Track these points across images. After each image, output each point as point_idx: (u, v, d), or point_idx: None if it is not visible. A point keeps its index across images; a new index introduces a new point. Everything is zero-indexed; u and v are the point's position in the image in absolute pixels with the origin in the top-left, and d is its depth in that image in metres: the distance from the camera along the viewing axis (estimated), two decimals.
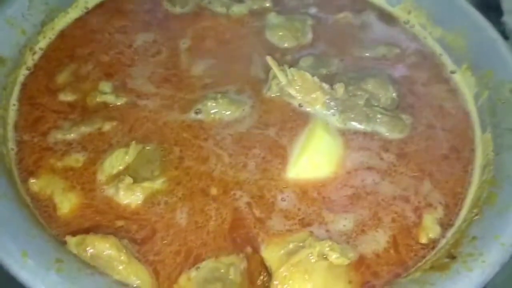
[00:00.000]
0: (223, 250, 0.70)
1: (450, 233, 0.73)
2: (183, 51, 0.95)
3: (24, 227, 0.66)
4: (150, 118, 0.84)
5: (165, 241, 0.70)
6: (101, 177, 0.76)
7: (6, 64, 0.86)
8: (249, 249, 0.70)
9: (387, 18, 1.04)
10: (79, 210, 0.72)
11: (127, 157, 0.77)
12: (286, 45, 0.97)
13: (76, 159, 0.78)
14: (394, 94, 0.87)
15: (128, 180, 0.73)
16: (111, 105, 0.85)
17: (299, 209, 0.74)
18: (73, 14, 0.99)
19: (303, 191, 0.76)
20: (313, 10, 1.04)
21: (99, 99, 0.85)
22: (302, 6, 1.04)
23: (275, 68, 0.86)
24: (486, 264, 0.64)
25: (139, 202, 0.73)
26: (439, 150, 0.83)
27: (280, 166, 0.79)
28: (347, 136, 0.83)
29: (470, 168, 0.81)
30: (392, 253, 0.71)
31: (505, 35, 1.27)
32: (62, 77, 0.89)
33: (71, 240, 0.66)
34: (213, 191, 0.76)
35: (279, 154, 0.80)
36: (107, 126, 0.82)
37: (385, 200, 0.76)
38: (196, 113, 0.84)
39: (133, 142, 0.78)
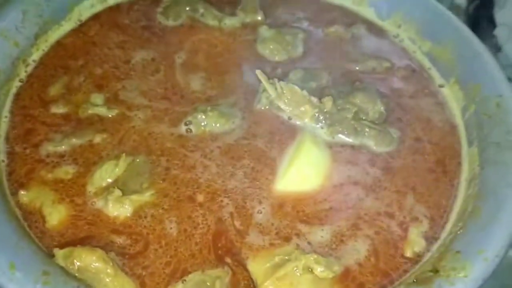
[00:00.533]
0: (208, 263, 0.70)
1: (435, 247, 0.74)
2: (177, 65, 0.95)
3: (12, 239, 0.66)
4: (140, 130, 0.84)
5: (157, 253, 0.71)
6: (91, 189, 0.76)
7: None
8: (234, 262, 0.70)
9: (377, 32, 1.05)
10: (68, 222, 0.73)
11: (117, 169, 0.77)
12: (277, 58, 0.97)
13: (66, 171, 0.78)
14: (382, 108, 0.88)
15: (117, 192, 0.74)
16: (102, 117, 0.85)
17: (278, 222, 0.75)
18: (67, 26, 1.00)
19: (281, 203, 0.77)
20: (304, 24, 1.04)
21: (91, 111, 0.86)
22: (294, 19, 1.05)
23: (264, 82, 0.87)
24: (469, 279, 0.64)
25: (128, 214, 0.74)
26: (425, 164, 0.84)
27: (270, 177, 0.80)
28: (334, 149, 0.84)
29: (456, 182, 0.82)
30: (377, 267, 0.71)
31: (497, 47, 1.29)
32: (54, 89, 0.90)
33: (59, 253, 0.66)
34: (200, 198, 0.77)
35: (268, 164, 0.81)
36: (97, 138, 0.82)
37: (368, 215, 0.77)
38: (186, 125, 0.85)
39: (123, 154, 0.79)
